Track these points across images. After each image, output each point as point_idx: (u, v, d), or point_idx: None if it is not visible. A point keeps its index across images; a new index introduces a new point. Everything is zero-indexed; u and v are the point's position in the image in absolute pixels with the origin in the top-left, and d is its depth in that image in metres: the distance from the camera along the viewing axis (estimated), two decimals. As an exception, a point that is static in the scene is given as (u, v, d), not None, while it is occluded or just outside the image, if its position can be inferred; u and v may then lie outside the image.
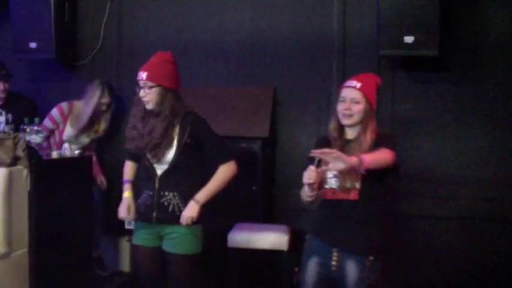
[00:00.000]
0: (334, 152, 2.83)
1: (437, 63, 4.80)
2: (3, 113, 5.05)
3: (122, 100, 5.45)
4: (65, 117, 5.02)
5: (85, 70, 5.66)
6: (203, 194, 3.39)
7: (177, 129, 3.37)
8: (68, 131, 5.01)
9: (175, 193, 3.36)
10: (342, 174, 3.03)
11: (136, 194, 3.57)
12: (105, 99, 5.05)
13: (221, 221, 4.54)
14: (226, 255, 4.33)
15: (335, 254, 3.09)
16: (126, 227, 4.69)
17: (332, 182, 3.11)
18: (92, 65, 5.64)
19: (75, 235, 4.03)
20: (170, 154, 3.35)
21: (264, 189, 4.90)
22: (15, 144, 3.70)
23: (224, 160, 3.45)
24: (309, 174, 2.94)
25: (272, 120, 4.99)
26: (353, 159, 2.82)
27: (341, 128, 3.18)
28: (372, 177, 2.99)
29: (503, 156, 4.75)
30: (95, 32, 5.63)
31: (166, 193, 3.36)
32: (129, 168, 3.59)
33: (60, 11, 5.32)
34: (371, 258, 3.04)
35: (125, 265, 5.23)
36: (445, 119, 4.87)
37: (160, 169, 3.39)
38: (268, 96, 5.08)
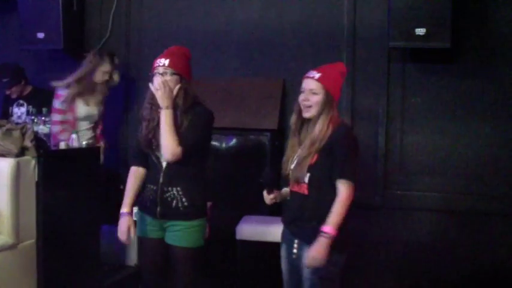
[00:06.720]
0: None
1: (448, 56, 4.75)
2: (25, 104, 5.18)
3: (129, 91, 5.46)
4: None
5: (93, 61, 5.64)
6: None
7: (184, 122, 3.28)
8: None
9: (178, 188, 3.29)
10: (296, 166, 3.09)
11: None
12: (106, 68, 4.88)
13: (229, 213, 4.53)
14: (234, 247, 4.31)
15: (296, 241, 3.10)
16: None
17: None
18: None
19: (82, 226, 4.02)
20: None
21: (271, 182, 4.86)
22: (23, 135, 3.66)
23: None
24: (265, 198, 3.25)
25: (281, 112, 4.95)
26: (321, 246, 2.89)
27: (301, 122, 3.16)
28: (319, 173, 3.02)
29: (515, 150, 4.71)
30: (103, 22, 5.60)
31: (170, 188, 3.30)
32: (133, 179, 3.42)
33: (68, 1, 5.28)
34: None
35: (131, 259, 5.02)
36: (455, 112, 4.82)
37: (165, 163, 3.33)
38: (277, 88, 5.05)
